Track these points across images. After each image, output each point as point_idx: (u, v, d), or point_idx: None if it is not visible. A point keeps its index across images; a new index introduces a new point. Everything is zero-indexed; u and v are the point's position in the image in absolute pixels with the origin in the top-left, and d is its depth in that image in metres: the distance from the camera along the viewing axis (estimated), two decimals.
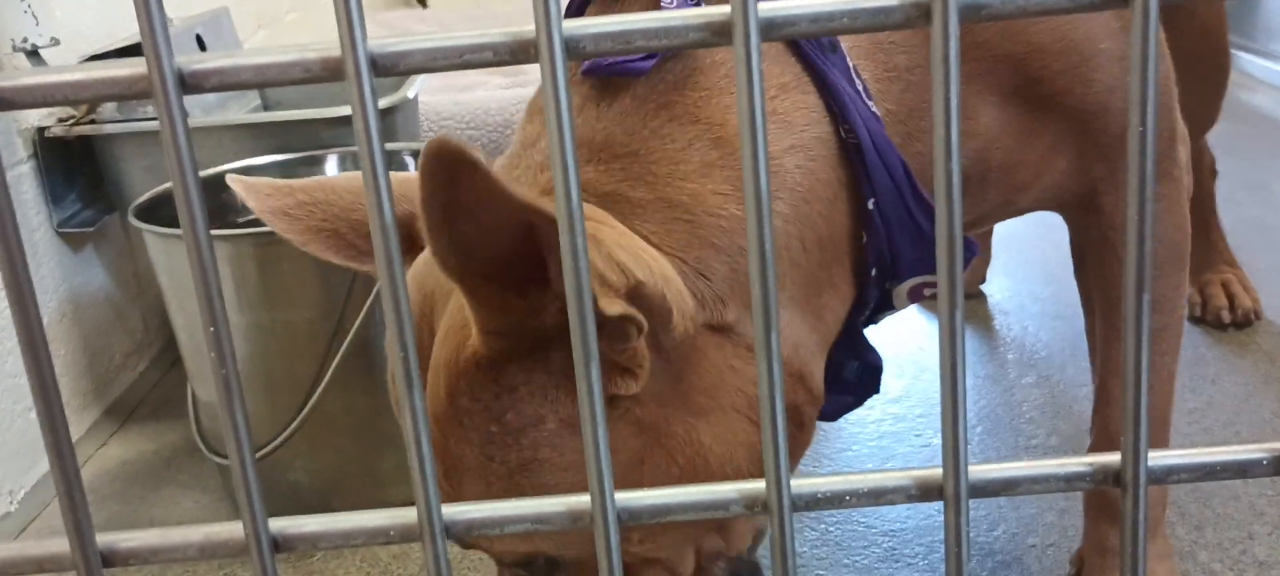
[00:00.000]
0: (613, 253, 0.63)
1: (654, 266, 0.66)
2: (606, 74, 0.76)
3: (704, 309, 0.71)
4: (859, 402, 0.90)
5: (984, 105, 0.86)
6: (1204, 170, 1.70)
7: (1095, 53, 0.87)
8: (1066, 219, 1.01)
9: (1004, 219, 0.99)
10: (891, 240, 0.79)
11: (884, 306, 0.85)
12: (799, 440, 0.79)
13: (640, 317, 0.64)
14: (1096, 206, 0.95)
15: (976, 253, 0.80)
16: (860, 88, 0.79)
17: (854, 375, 0.87)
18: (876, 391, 0.89)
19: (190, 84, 0.35)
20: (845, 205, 0.79)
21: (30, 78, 0.36)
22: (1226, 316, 1.67)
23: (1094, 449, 1.07)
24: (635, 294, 0.64)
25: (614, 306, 0.62)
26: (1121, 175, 0.92)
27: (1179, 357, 1.03)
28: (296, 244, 0.79)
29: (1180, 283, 1.00)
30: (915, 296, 0.84)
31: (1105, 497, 1.06)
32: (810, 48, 0.78)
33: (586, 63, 0.77)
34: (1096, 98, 0.88)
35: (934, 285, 0.91)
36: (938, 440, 1.45)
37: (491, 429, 0.67)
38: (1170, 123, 0.95)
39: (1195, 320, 1.70)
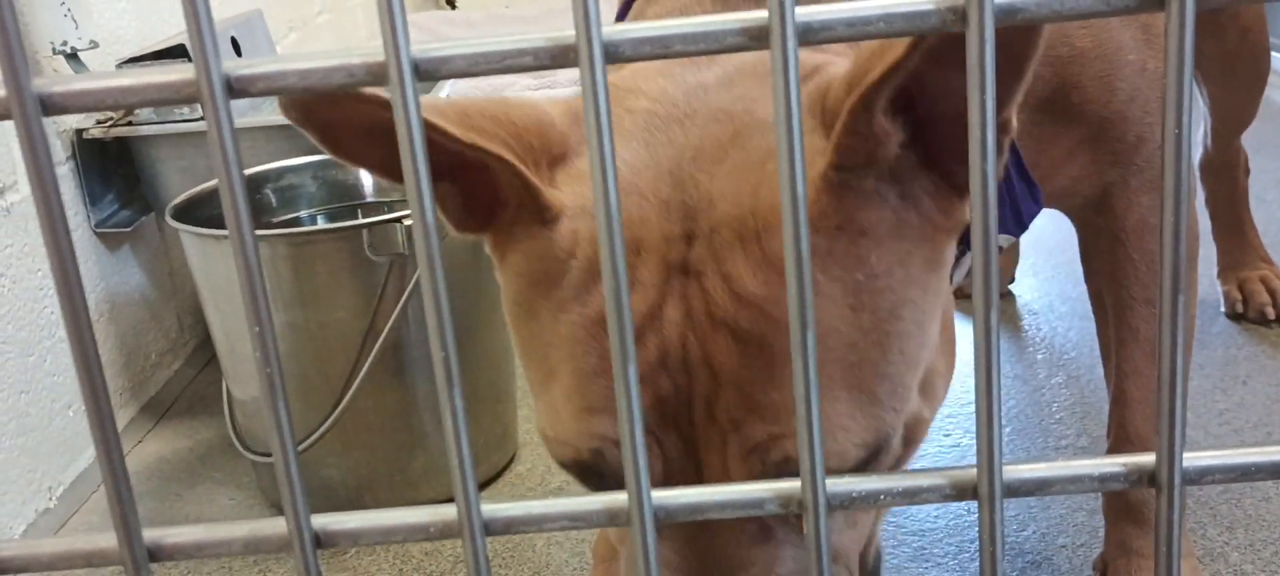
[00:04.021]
0: None
1: None
2: None
3: None
4: None
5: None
6: (1238, 168, 1.69)
7: (1123, 62, 0.89)
8: (1075, 221, 1.02)
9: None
10: None
11: None
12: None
13: None
14: (1108, 208, 0.96)
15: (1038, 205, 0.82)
16: None
17: None
18: None
19: (237, 89, 0.36)
20: None
21: (79, 83, 0.37)
22: (1270, 312, 1.67)
23: (1111, 451, 1.07)
24: None
25: None
26: (1134, 178, 0.94)
27: (1192, 357, 1.04)
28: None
29: (1190, 282, 1.01)
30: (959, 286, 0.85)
31: (1126, 499, 1.06)
32: None
33: None
34: (1117, 106, 0.89)
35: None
36: (965, 439, 1.45)
37: (858, 276, 0.60)
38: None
39: (1237, 317, 1.70)
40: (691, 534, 0.64)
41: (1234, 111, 1.60)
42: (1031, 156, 0.90)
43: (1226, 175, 1.68)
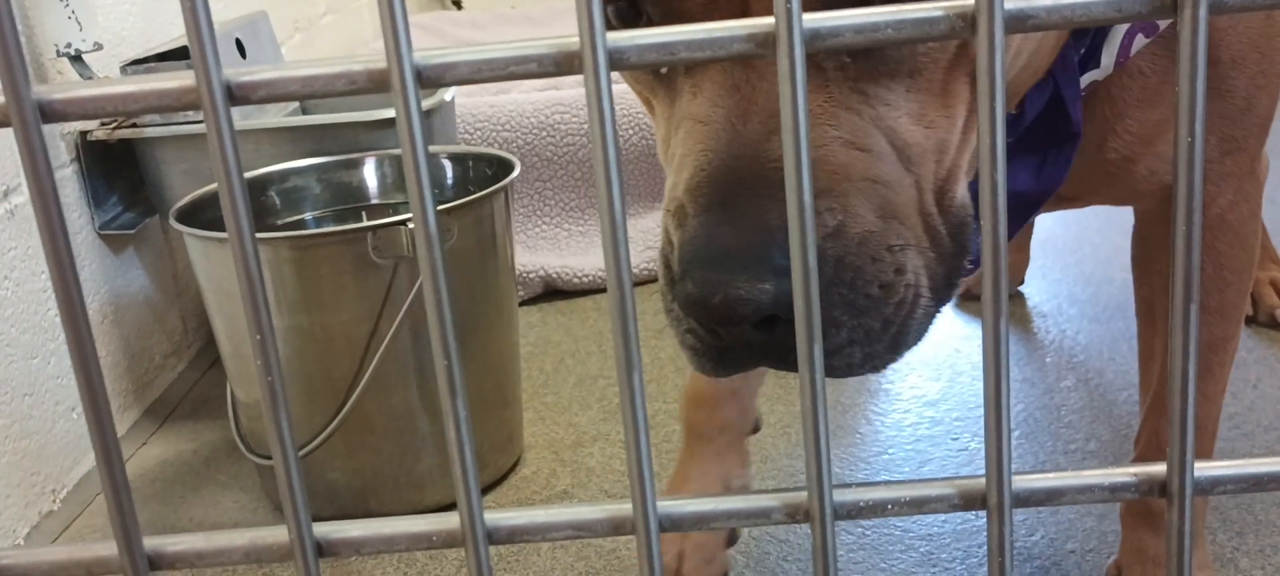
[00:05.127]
0: None
1: None
2: None
3: None
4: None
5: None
6: None
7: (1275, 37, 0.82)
8: (1142, 214, 0.95)
9: (1101, 192, 0.91)
10: None
11: (1090, 57, 0.78)
12: None
13: None
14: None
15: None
16: None
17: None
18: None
19: (238, 96, 0.35)
20: None
21: (81, 90, 0.36)
22: None
23: (1140, 458, 1.05)
24: None
25: None
26: (1229, 164, 0.86)
27: (1230, 368, 0.99)
28: None
29: (1246, 291, 0.95)
30: (1124, 52, 0.77)
31: (1144, 505, 1.05)
32: None
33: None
34: (1244, 89, 0.83)
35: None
36: (975, 443, 1.44)
37: None
38: (1266, 129, 0.88)
39: (1247, 320, 1.69)
40: (734, 82, 0.58)
41: None
42: (1135, 112, 0.81)
43: None
